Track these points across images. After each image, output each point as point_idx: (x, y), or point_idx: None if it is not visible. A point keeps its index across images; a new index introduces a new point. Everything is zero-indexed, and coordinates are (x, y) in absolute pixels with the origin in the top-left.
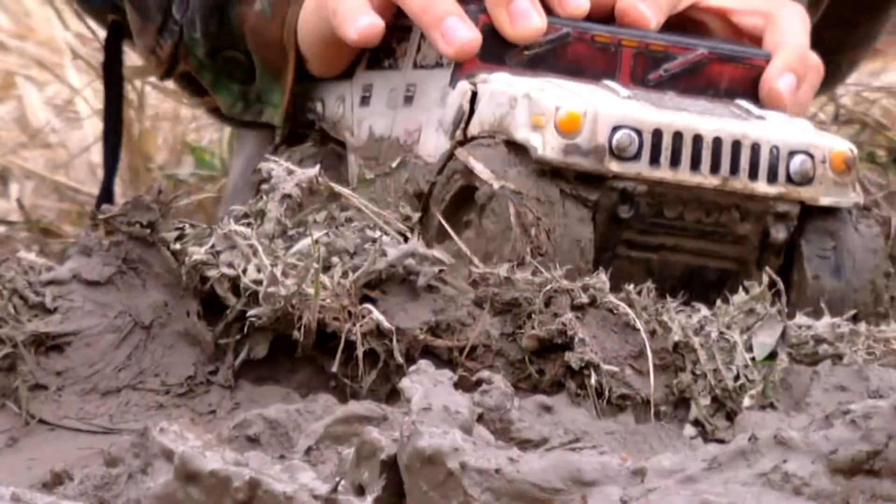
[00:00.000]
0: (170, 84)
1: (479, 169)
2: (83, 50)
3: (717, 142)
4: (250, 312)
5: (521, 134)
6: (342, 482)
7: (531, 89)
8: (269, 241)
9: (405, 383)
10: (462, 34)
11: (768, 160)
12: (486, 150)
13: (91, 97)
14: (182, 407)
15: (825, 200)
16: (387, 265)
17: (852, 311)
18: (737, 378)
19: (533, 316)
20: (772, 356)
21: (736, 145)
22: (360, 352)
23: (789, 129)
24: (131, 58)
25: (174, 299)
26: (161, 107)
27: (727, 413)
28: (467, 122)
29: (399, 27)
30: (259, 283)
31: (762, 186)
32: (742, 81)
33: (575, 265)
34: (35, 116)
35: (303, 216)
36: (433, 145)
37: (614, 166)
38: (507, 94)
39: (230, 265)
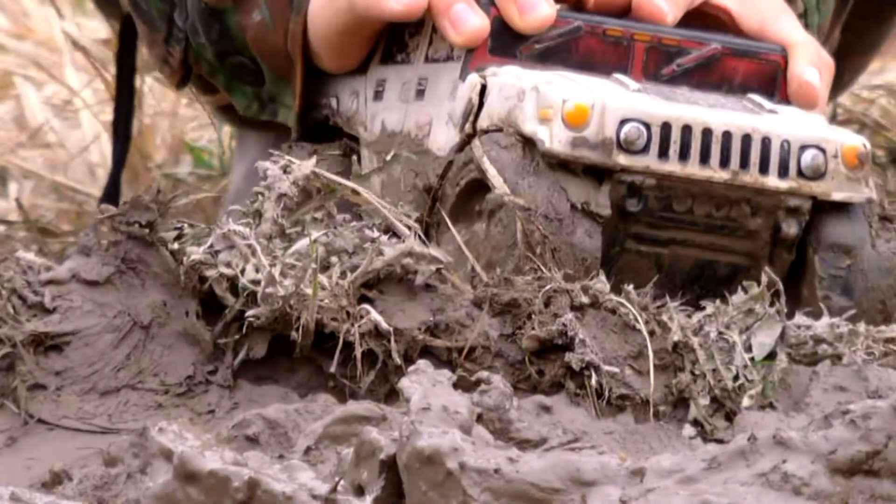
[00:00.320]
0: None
1: (493, 174)
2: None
3: (727, 135)
4: (249, 312)
5: (529, 127)
6: (341, 482)
7: (539, 82)
8: (268, 241)
9: (404, 383)
10: (470, 22)
11: (779, 154)
12: (502, 153)
13: (90, 97)
14: (181, 407)
15: (838, 196)
16: (384, 264)
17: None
18: (736, 378)
19: (533, 316)
20: (771, 356)
21: (746, 139)
22: (358, 352)
23: (801, 124)
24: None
25: (173, 299)
26: (159, 106)
27: (726, 413)
28: (476, 115)
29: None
30: (257, 283)
31: (773, 181)
32: (757, 77)
33: (579, 278)
34: (33, 116)
35: (300, 215)
36: (443, 139)
37: (622, 159)
38: (515, 87)
39: (229, 265)
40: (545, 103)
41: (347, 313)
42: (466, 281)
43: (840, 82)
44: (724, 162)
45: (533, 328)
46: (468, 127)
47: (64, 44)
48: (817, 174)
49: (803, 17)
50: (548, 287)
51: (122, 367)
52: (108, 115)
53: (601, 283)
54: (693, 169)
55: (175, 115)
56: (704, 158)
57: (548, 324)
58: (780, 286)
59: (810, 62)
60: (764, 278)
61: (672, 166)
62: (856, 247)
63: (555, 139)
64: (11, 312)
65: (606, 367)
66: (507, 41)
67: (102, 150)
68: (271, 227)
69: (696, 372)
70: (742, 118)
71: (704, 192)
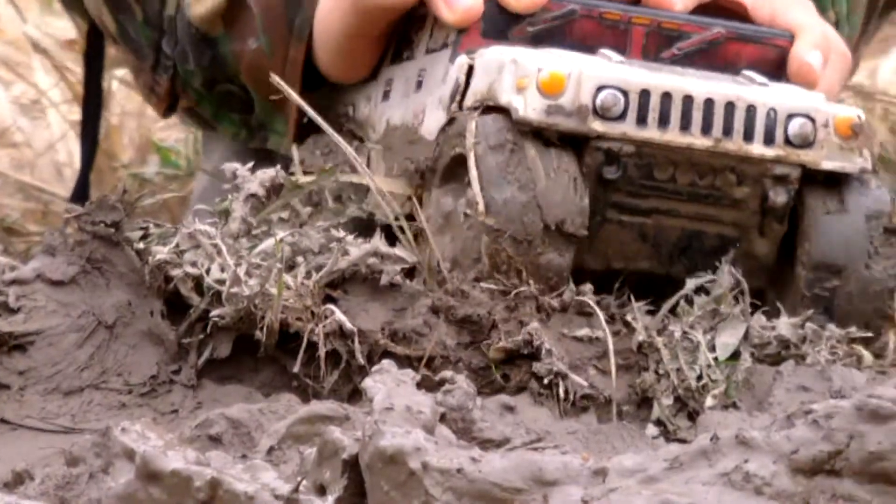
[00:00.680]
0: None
1: (473, 177)
2: (46, 46)
3: (709, 103)
4: (213, 312)
5: (506, 98)
6: (304, 482)
7: (519, 54)
8: (234, 241)
9: (367, 383)
10: (463, 0)
11: (765, 122)
12: (488, 154)
13: (57, 97)
14: (144, 406)
15: (828, 165)
16: (349, 264)
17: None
18: (700, 378)
19: (498, 326)
20: (735, 356)
21: (729, 106)
22: (322, 352)
23: (792, 95)
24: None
25: (138, 299)
26: (126, 105)
27: (689, 413)
28: (463, 95)
29: (418, 16)
30: (222, 282)
31: (758, 148)
32: (762, 61)
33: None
34: (1, 116)
35: (266, 213)
36: (434, 123)
37: (598, 126)
38: (496, 61)
39: (194, 265)
40: (521, 73)
41: (312, 313)
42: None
43: None
44: (706, 129)
45: (500, 338)
46: (454, 107)
47: (29, 42)
48: (805, 142)
49: (835, 27)
50: (512, 293)
51: (86, 367)
52: (75, 114)
53: (568, 292)
54: (673, 135)
55: (142, 114)
56: (685, 125)
57: (513, 333)
58: (745, 286)
59: (814, 45)
60: (728, 279)
61: (650, 133)
62: (847, 268)
63: (529, 107)
64: None
65: (574, 378)
66: (499, 24)
67: (69, 150)
68: (239, 226)
69: (660, 371)
70: (728, 87)
71: (686, 160)
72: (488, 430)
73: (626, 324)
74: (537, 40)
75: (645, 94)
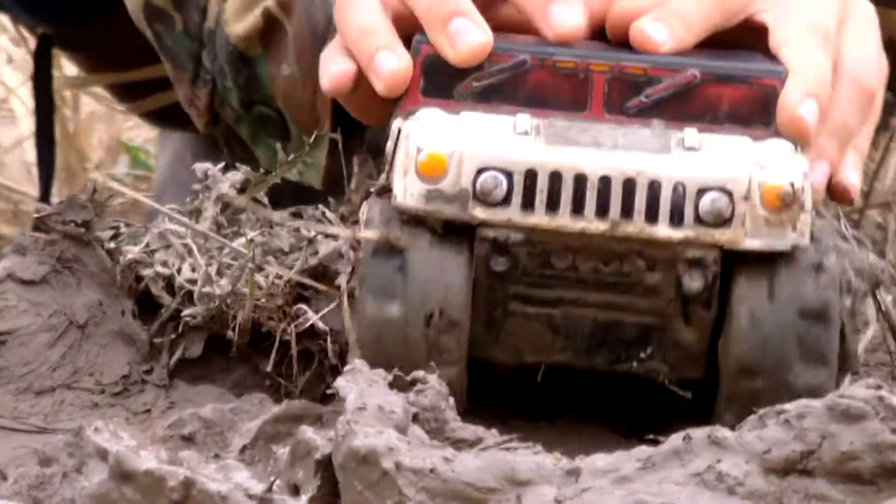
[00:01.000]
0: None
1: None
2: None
3: (605, 181)
4: (185, 312)
5: (395, 179)
6: (277, 482)
7: (414, 128)
8: (204, 241)
9: (340, 383)
10: (388, 65)
11: (671, 199)
12: (375, 262)
13: (26, 96)
14: (117, 406)
15: (752, 244)
16: (319, 263)
17: None
18: None
19: None
20: None
21: (629, 184)
22: (294, 351)
23: (709, 163)
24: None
25: (109, 298)
26: (95, 105)
27: None
28: (391, 165)
29: None
30: (194, 282)
31: (663, 230)
32: (747, 104)
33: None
34: None
35: (233, 209)
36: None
37: (479, 212)
38: (404, 132)
39: (165, 264)
40: (406, 152)
41: (284, 312)
42: None
43: None
44: (602, 211)
45: None
46: (383, 177)
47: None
48: (720, 220)
49: None
50: None
51: (58, 367)
52: None
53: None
54: (563, 220)
55: (111, 115)
56: (577, 208)
57: None
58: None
59: (806, 91)
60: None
61: (538, 218)
62: (769, 371)
63: (407, 192)
64: None
65: None
66: (441, 80)
67: None
68: (210, 226)
69: None
70: (628, 160)
71: (584, 246)
72: (461, 430)
73: None
74: (486, 97)
75: (531, 175)
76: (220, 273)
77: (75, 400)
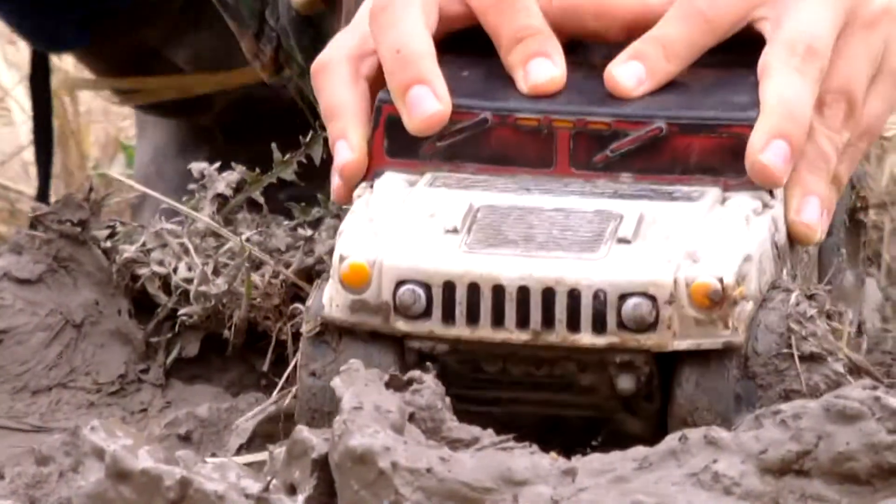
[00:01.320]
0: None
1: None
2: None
3: (524, 291)
4: (181, 311)
5: (330, 280)
6: (274, 481)
7: (349, 225)
8: (201, 240)
9: (336, 383)
10: (427, 108)
11: (592, 307)
12: (312, 348)
13: (22, 97)
14: (113, 405)
15: (681, 345)
16: (316, 262)
17: None
18: None
19: None
20: None
21: (548, 293)
22: (290, 351)
23: (637, 261)
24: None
25: (105, 298)
26: (92, 104)
27: None
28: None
29: None
30: (190, 281)
31: (586, 338)
32: (717, 154)
33: None
34: None
35: (230, 209)
36: None
37: (402, 325)
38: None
39: (161, 263)
40: (334, 257)
41: (280, 312)
42: None
43: None
44: (523, 322)
45: None
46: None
47: None
48: (644, 325)
49: None
50: None
51: (54, 366)
52: None
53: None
54: (484, 332)
55: (107, 114)
56: (498, 320)
57: None
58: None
59: (773, 132)
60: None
61: (459, 330)
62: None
63: (333, 303)
64: None
65: None
66: (405, 140)
67: None
68: (206, 225)
69: None
70: (550, 267)
71: (511, 353)
72: (457, 430)
73: None
74: (451, 156)
75: (449, 287)
76: (216, 272)
77: (72, 399)
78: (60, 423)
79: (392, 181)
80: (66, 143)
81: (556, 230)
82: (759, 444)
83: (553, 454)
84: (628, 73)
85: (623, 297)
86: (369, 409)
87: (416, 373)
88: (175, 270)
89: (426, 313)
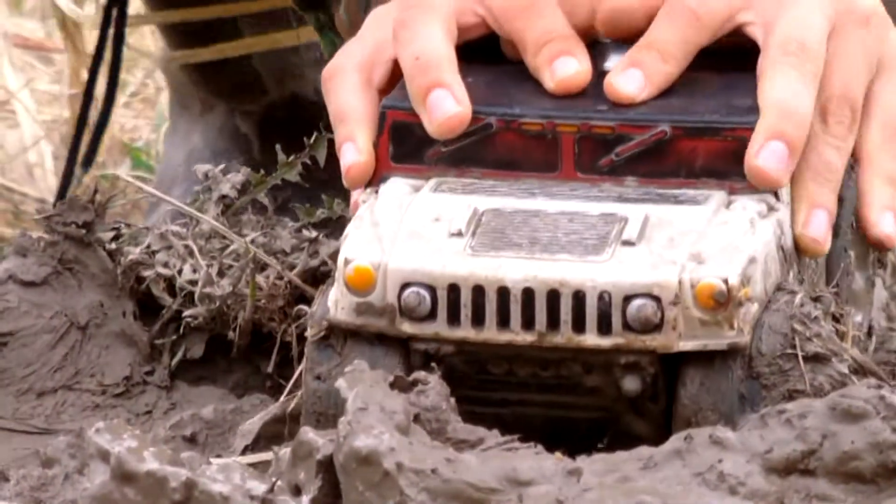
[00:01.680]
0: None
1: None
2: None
3: (528, 293)
4: (186, 313)
5: (335, 284)
6: (278, 482)
7: (354, 229)
8: (206, 242)
9: (340, 384)
10: (448, 110)
11: (597, 308)
12: (317, 351)
13: (27, 98)
14: (118, 407)
15: (686, 346)
16: (321, 263)
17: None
18: None
19: None
20: None
21: (553, 295)
22: (295, 352)
23: (642, 263)
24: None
25: (110, 300)
26: (96, 105)
27: None
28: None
29: None
30: (195, 283)
31: (592, 339)
32: (721, 157)
33: None
34: None
35: (235, 209)
36: None
37: (407, 328)
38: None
39: (166, 265)
40: (339, 260)
41: (285, 313)
42: None
43: None
44: (528, 323)
45: None
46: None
47: (2, 43)
48: (649, 326)
49: None
50: None
51: (59, 368)
52: (45, 115)
53: None
54: (490, 334)
55: (113, 116)
56: (503, 321)
57: None
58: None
59: (770, 133)
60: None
61: (465, 332)
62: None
63: (339, 306)
64: None
65: None
66: (410, 146)
67: (40, 151)
68: (210, 228)
69: None
70: (555, 269)
71: (516, 355)
72: (462, 431)
73: None
74: (457, 161)
75: (454, 290)
76: (221, 274)
77: (77, 401)
78: (65, 424)
79: (397, 186)
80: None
81: (560, 233)
82: (765, 443)
83: (558, 454)
84: (628, 80)
85: (628, 299)
86: (374, 410)
87: (421, 374)
88: (180, 272)
89: (431, 315)
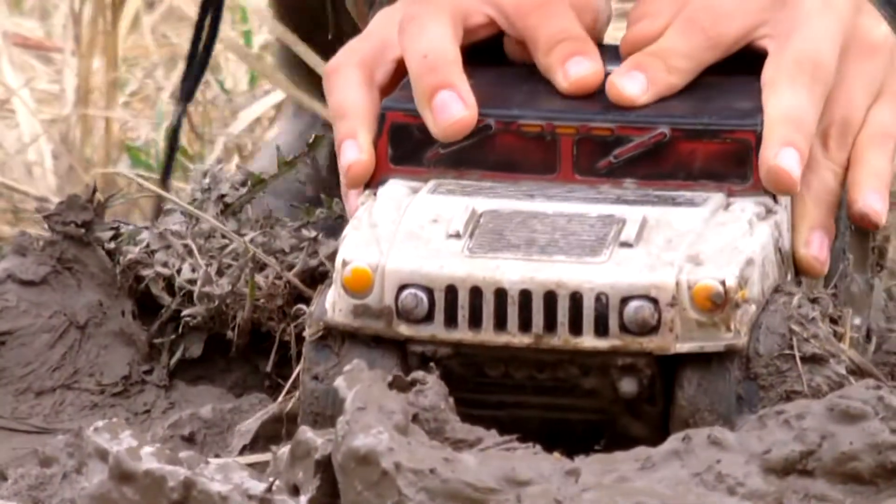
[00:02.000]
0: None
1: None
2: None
3: (526, 295)
4: (185, 312)
5: (332, 286)
6: (277, 482)
7: (352, 231)
8: (205, 241)
9: (339, 383)
10: (454, 113)
11: (594, 310)
12: (314, 352)
13: (27, 97)
14: (117, 406)
15: (683, 347)
16: (319, 263)
17: None
18: None
19: None
20: None
21: (550, 296)
22: (294, 352)
23: (640, 265)
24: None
25: (109, 299)
26: (96, 104)
27: None
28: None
29: None
30: (194, 282)
31: (588, 341)
32: (721, 160)
33: None
34: None
35: (233, 208)
36: None
37: (404, 330)
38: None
39: (165, 264)
40: (336, 262)
41: (283, 313)
42: None
43: None
44: (525, 325)
45: None
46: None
47: (1, 42)
48: (646, 328)
49: None
50: None
51: (58, 367)
52: (45, 114)
53: None
54: (487, 336)
55: (111, 113)
56: (500, 323)
57: None
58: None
59: (784, 141)
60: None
61: (462, 334)
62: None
63: (336, 307)
64: None
65: None
66: (409, 147)
67: (40, 150)
68: (210, 226)
69: None
70: (552, 270)
71: (513, 357)
72: (461, 431)
73: None
74: (456, 163)
75: (451, 291)
76: (220, 273)
77: (75, 400)
78: (64, 424)
79: (395, 188)
80: (69, 145)
81: (558, 234)
82: (763, 444)
83: (556, 454)
84: (631, 82)
85: (625, 300)
86: (373, 410)
87: (419, 373)
88: (179, 271)
89: (428, 317)
